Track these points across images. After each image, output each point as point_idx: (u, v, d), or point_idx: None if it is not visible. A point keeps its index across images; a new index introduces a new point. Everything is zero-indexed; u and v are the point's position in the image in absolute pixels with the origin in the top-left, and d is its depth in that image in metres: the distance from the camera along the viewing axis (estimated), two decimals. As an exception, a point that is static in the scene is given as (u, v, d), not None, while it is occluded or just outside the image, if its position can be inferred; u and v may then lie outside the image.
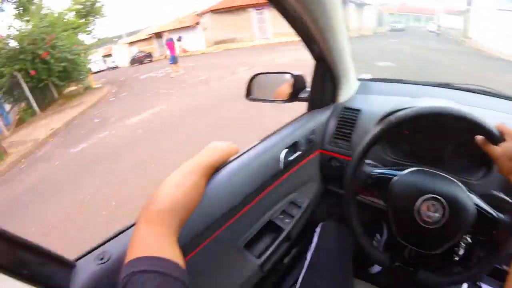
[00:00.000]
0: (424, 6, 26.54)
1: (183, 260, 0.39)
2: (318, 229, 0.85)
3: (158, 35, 20.92)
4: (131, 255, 0.37)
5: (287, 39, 13.32)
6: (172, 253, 0.39)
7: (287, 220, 0.78)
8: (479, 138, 0.60)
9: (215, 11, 18.16)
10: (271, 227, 0.77)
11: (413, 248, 0.62)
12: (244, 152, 0.73)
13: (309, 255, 0.79)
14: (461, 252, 0.71)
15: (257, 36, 17.59)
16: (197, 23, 19.61)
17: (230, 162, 0.67)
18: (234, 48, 16.31)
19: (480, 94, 1.06)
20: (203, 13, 19.07)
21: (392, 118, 0.65)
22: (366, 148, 0.66)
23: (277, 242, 0.74)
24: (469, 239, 0.66)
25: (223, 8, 17.84)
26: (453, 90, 1.09)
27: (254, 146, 0.76)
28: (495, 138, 0.58)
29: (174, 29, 19.54)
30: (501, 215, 0.59)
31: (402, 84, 1.17)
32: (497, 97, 1.04)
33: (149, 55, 21.09)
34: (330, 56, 0.83)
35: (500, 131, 0.58)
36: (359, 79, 1.12)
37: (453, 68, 6.81)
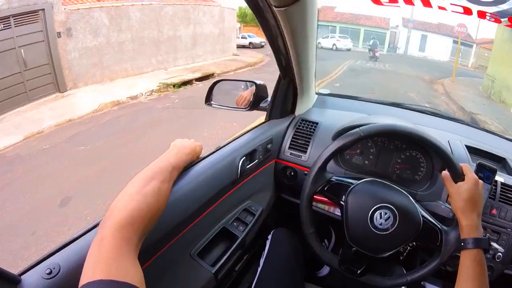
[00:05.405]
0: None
1: (143, 278, 0.38)
2: (270, 236, 0.87)
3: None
4: (86, 276, 0.34)
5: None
6: (132, 274, 0.36)
7: (240, 228, 0.80)
8: (445, 173, 0.64)
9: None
10: (225, 234, 0.77)
11: (360, 251, 0.66)
12: (202, 159, 0.72)
13: (261, 262, 0.81)
14: (405, 255, 0.77)
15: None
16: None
17: (192, 165, 0.66)
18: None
19: (428, 114, 1.20)
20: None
21: (364, 129, 0.67)
22: (330, 156, 0.69)
23: (231, 250, 0.75)
24: (414, 244, 0.71)
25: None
26: (404, 109, 1.22)
27: (212, 152, 0.77)
28: (457, 176, 0.62)
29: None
30: (445, 227, 0.64)
31: (357, 101, 1.27)
32: (442, 118, 1.18)
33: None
34: (298, 75, 0.89)
35: (463, 172, 0.62)
36: (318, 93, 1.19)
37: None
